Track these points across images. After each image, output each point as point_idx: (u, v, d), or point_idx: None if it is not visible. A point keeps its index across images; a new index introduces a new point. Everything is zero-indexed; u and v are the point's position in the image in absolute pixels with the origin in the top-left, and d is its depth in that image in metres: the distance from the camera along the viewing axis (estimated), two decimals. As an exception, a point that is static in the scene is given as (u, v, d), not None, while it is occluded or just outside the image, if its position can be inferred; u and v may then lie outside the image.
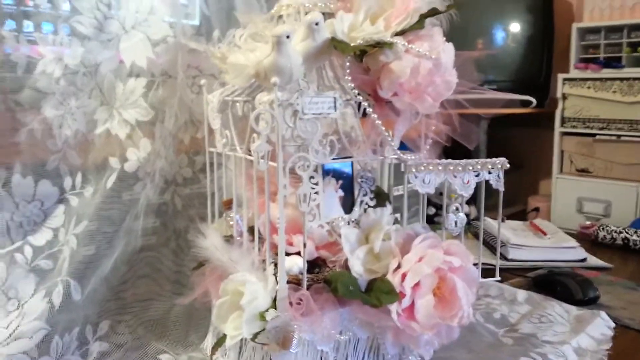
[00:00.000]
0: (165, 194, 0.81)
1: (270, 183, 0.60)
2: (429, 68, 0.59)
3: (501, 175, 0.71)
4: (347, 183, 0.69)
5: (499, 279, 0.76)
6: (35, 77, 0.68)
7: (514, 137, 1.70)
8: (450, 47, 0.62)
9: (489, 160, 0.70)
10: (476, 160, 0.69)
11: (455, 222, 0.71)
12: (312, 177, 0.63)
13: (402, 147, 0.72)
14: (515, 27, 1.60)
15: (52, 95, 0.69)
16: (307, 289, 0.60)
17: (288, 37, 0.54)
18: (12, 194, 0.66)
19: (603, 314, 0.83)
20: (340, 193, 0.68)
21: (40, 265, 0.66)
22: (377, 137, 0.62)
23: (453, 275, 0.63)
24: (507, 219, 1.41)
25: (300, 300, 0.58)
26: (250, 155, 0.59)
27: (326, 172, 0.67)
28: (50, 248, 0.67)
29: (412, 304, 0.62)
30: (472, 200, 1.47)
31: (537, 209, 1.55)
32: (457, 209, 0.71)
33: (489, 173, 0.70)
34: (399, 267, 0.63)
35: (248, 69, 0.57)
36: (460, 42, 1.45)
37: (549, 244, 1.16)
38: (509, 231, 1.23)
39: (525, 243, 1.16)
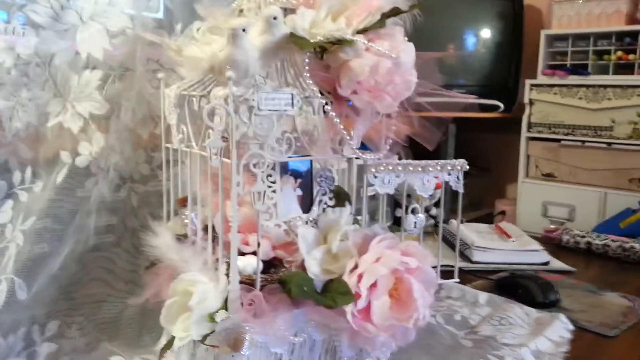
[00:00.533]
0: (120, 190, 0.79)
1: (226, 180, 0.59)
2: (389, 67, 0.58)
3: (460, 177, 0.71)
4: (306, 182, 0.68)
5: (457, 280, 0.76)
6: (-16, 67, 0.65)
7: (482, 141, 1.72)
8: (410, 47, 0.62)
9: (448, 161, 0.70)
10: (436, 161, 0.69)
11: (415, 223, 0.70)
12: (269, 175, 0.62)
13: (363, 147, 0.72)
14: (486, 32, 1.62)
15: (2, 85, 0.66)
16: (261, 289, 0.59)
17: (244, 30, 0.52)
18: (-46, 188, 0.64)
19: (562, 316, 0.84)
20: (299, 192, 0.67)
21: (-17, 263, 0.63)
22: (336, 135, 0.61)
23: (410, 276, 0.62)
24: (474, 221, 1.42)
25: (253, 301, 0.57)
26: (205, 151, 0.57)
27: (285, 171, 0.66)
28: (-5, 244, 0.65)
29: (368, 305, 0.61)
30: (438, 203, 1.47)
31: (503, 213, 1.57)
32: (413, 210, 0.70)
33: (449, 174, 0.70)
34: (356, 267, 0.62)
35: (203, 62, 0.55)
36: (430, 46, 1.46)
37: (512, 247, 1.17)
38: (474, 234, 1.23)
39: (489, 246, 1.17)
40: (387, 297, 0.61)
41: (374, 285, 0.62)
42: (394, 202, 1.42)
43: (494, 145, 1.74)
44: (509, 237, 1.23)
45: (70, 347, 0.69)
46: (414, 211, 0.71)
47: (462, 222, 1.34)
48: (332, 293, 0.61)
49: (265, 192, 0.61)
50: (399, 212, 1.44)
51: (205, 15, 0.63)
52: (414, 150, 1.55)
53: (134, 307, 0.74)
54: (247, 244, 0.63)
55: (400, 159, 1.50)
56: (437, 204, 1.45)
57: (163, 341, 0.70)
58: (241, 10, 0.64)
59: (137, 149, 0.80)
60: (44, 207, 0.67)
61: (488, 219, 1.62)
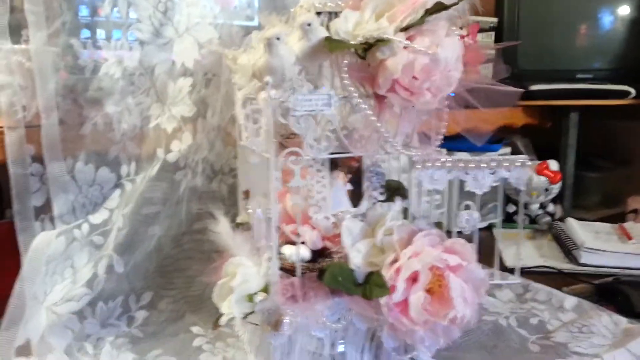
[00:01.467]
0: (212, 182, 0.89)
1: (287, 175, 0.65)
2: (425, 64, 0.58)
3: (523, 174, 0.67)
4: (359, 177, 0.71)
5: (518, 281, 0.73)
6: (99, 78, 0.79)
7: (616, 131, 1.54)
8: (453, 41, 0.61)
9: (507, 157, 0.67)
10: (490, 157, 0.67)
11: (467, 221, 0.69)
12: (319, 170, 0.66)
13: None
14: (624, 9, 1.44)
15: (112, 94, 0.80)
16: (303, 277, 0.64)
17: (278, 38, 0.57)
18: (75, 179, 0.79)
19: (656, 330, 0.75)
20: (349, 187, 0.70)
21: (93, 241, 0.77)
22: (376, 133, 0.62)
23: (450, 273, 0.62)
24: (608, 220, 1.30)
25: (290, 286, 0.62)
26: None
27: (336, 166, 0.69)
28: (105, 226, 0.78)
29: (406, 299, 0.63)
30: (559, 199, 1.37)
31: (634, 211, 1.40)
32: (467, 207, 0.68)
33: (508, 171, 0.67)
34: (395, 261, 0.64)
35: (247, 69, 0.61)
36: (561, 27, 1.36)
37: (628, 250, 1.05)
38: (588, 234, 1.14)
39: (601, 247, 1.07)
40: (422, 292, 0.62)
41: (413, 279, 0.63)
42: (506, 198, 1.36)
43: (633, 136, 1.55)
44: (630, 238, 1.11)
45: (159, 315, 0.81)
46: (467, 207, 0.69)
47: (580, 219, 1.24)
48: (370, 285, 0.63)
49: (313, 186, 0.66)
50: (511, 208, 1.38)
51: (264, 23, 0.69)
52: (534, 140, 1.46)
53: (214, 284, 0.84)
54: (296, 233, 0.68)
55: (515, 148, 1.42)
56: (555, 200, 1.35)
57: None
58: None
59: (227, 146, 0.89)
60: (141, 194, 0.79)
61: (622, 218, 1.45)
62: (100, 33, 0.82)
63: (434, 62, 0.59)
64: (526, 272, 1.02)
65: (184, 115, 0.82)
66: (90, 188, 0.80)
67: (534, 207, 1.34)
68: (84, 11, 0.80)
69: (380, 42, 0.59)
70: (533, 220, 1.34)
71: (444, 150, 0.69)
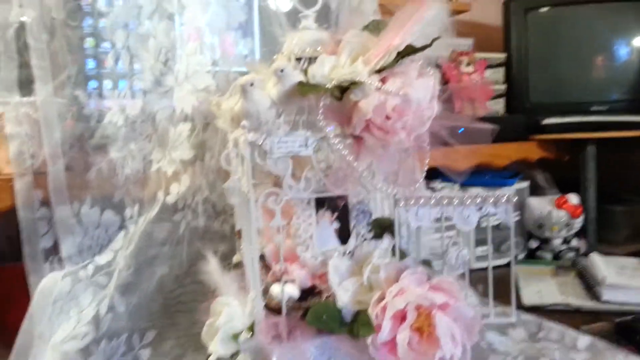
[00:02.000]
0: (215, 222, 0.91)
1: (285, 215, 0.66)
2: (396, 104, 0.59)
3: (510, 209, 0.66)
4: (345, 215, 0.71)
5: (513, 320, 0.70)
6: (104, 126, 0.83)
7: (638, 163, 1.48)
8: (426, 81, 0.62)
9: (491, 193, 0.66)
10: (476, 193, 0.66)
11: (456, 258, 0.67)
12: (304, 209, 0.67)
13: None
14: (638, 40, 1.42)
15: (116, 140, 0.84)
16: (291, 317, 0.64)
17: (252, 84, 0.59)
18: (82, 222, 0.82)
19: (670, 372, 0.70)
20: (336, 225, 0.70)
21: (98, 281, 0.80)
22: (351, 172, 0.63)
23: (438, 312, 0.61)
24: (636, 255, 1.24)
25: (275, 326, 0.62)
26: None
27: (322, 205, 0.70)
28: (109, 267, 0.81)
29: (394, 339, 0.62)
30: (583, 233, 1.32)
31: (664, 245, 1.33)
32: (454, 243, 0.67)
33: (495, 207, 0.66)
34: (382, 299, 0.63)
35: (227, 115, 0.63)
36: (577, 59, 1.34)
37: (653, 286, 1.00)
38: (612, 269, 1.09)
39: (624, 283, 1.02)
40: (409, 332, 0.61)
41: (402, 318, 0.62)
42: (528, 234, 1.33)
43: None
44: (657, 274, 1.05)
45: (163, 354, 0.82)
46: (455, 244, 0.68)
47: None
48: (357, 324, 0.63)
49: (300, 225, 0.67)
50: (533, 244, 1.35)
51: (249, 69, 0.72)
52: (554, 174, 1.43)
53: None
54: (286, 272, 0.69)
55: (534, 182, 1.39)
56: (579, 235, 1.31)
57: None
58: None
59: (228, 187, 0.91)
60: (143, 235, 0.82)
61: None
62: (107, 84, 0.87)
63: (405, 102, 0.60)
64: (544, 311, 0.98)
65: (182, 158, 0.84)
66: (96, 230, 0.83)
67: (557, 242, 1.30)
68: (90, 64, 0.86)
69: (353, 84, 0.60)
70: (557, 256, 1.30)
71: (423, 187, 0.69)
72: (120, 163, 0.84)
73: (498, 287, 0.78)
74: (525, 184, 1.32)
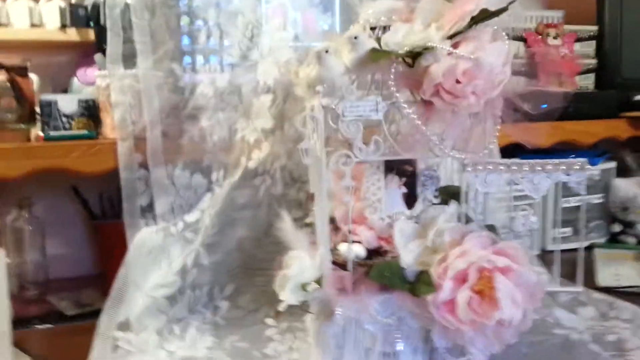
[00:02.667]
0: (292, 189, 0.97)
1: (355, 179, 0.71)
2: (466, 68, 0.61)
3: (583, 178, 0.66)
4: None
5: (580, 289, 0.70)
6: (195, 97, 0.91)
7: None
8: (499, 46, 0.63)
9: (564, 160, 0.66)
10: (546, 160, 0.66)
11: (523, 224, 0.68)
12: (374, 173, 0.71)
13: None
14: None
15: (206, 110, 0.92)
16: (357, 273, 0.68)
17: (327, 51, 0.63)
18: (174, 183, 0.91)
19: None
20: (403, 190, 0.73)
21: (186, 236, 0.88)
22: (420, 137, 0.65)
23: (499, 275, 0.62)
24: None
25: (341, 279, 0.66)
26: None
27: (391, 170, 0.72)
28: (196, 225, 0.89)
29: (454, 299, 0.64)
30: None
31: None
32: (524, 210, 0.68)
33: (567, 175, 0.66)
34: (444, 261, 0.65)
35: (304, 81, 0.68)
36: None
37: None
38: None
39: None
40: (469, 292, 0.62)
41: (463, 280, 0.64)
42: (612, 217, 1.28)
43: None
44: None
45: (240, 307, 0.89)
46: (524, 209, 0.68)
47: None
48: (419, 283, 0.66)
49: (369, 188, 0.71)
50: (616, 228, 1.30)
51: (325, 39, 0.76)
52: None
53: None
54: (354, 233, 0.73)
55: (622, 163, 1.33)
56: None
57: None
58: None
59: (306, 156, 0.97)
60: (227, 198, 0.89)
61: None
62: (199, 59, 0.95)
63: (476, 66, 0.61)
64: (620, 293, 0.95)
65: (264, 127, 0.90)
66: (186, 191, 0.92)
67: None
68: (185, 40, 0.94)
69: (425, 49, 0.63)
70: (641, 241, 1.24)
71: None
72: (209, 131, 0.92)
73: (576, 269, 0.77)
74: (611, 164, 1.27)
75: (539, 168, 0.66)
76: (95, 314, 0.81)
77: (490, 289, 0.63)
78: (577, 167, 0.65)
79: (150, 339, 0.81)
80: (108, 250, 1.07)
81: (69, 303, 0.98)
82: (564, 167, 0.66)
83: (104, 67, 0.89)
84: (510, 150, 0.93)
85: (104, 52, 0.88)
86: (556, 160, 0.66)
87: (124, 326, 0.81)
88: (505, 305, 0.61)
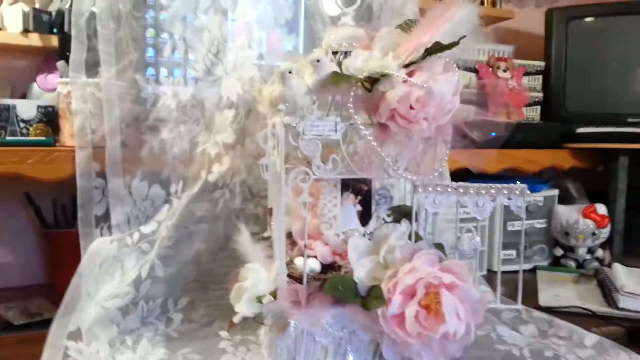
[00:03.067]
0: (250, 204, 0.99)
1: (313, 196, 0.73)
2: (419, 96, 0.65)
3: (522, 203, 0.71)
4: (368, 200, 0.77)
5: (519, 306, 0.74)
6: (158, 108, 0.92)
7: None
8: (450, 77, 0.67)
9: (506, 185, 0.71)
10: (490, 184, 0.71)
11: (467, 244, 0.72)
12: (331, 191, 0.74)
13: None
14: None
15: (168, 122, 0.92)
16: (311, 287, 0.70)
17: (290, 72, 0.66)
18: (132, 194, 0.91)
19: (673, 371, 0.73)
20: (358, 208, 0.76)
21: (141, 247, 0.88)
22: (376, 157, 0.69)
23: (444, 291, 0.66)
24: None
25: (296, 292, 0.68)
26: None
27: (347, 189, 0.76)
28: (152, 236, 0.89)
29: (403, 313, 0.67)
30: (609, 244, 1.33)
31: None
32: (468, 230, 0.72)
33: (509, 199, 0.71)
34: (394, 276, 0.68)
35: (267, 100, 0.71)
36: (619, 72, 1.35)
37: (671, 296, 1.01)
38: (633, 279, 1.10)
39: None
40: (415, 306, 0.66)
41: (412, 295, 0.67)
42: (554, 241, 1.35)
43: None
44: (678, 285, 1.06)
45: (193, 319, 0.90)
46: (469, 231, 0.72)
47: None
48: (370, 297, 0.69)
49: (325, 205, 0.73)
50: (558, 252, 1.37)
51: (290, 60, 0.79)
52: (586, 184, 1.44)
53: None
54: (310, 248, 0.75)
55: (565, 191, 1.40)
56: (603, 246, 1.32)
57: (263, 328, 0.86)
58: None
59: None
60: (185, 210, 0.90)
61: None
62: (163, 71, 0.96)
63: (428, 94, 0.65)
64: (561, 313, 1.01)
65: (225, 141, 0.92)
66: (143, 202, 0.92)
67: (582, 251, 1.31)
68: (150, 52, 0.95)
69: (382, 76, 0.67)
70: (581, 265, 1.31)
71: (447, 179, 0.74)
72: (169, 143, 0.92)
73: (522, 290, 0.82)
74: (554, 192, 1.34)
75: (483, 192, 0.71)
76: (45, 323, 0.80)
77: (437, 303, 0.66)
78: (517, 192, 0.70)
79: (101, 349, 0.80)
80: (59, 259, 1.06)
81: (17, 312, 0.96)
82: (506, 192, 0.70)
83: (66, 74, 0.89)
84: (460, 175, 0.99)
85: (66, 59, 0.89)
86: (499, 185, 0.71)
87: (75, 336, 0.80)
88: (450, 319, 0.65)
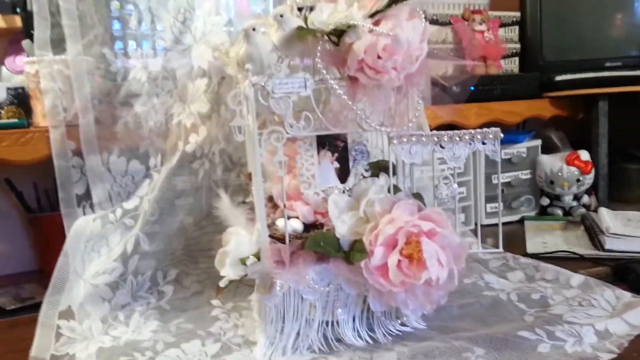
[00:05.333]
0: (232, 172, 0.98)
1: (290, 158, 0.73)
2: (386, 45, 0.64)
3: (497, 145, 0.71)
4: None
5: (500, 250, 0.75)
6: (128, 82, 0.91)
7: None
8: (415, 23, 0.66)
9: (479, 130, 0.71)
10: (464, 131, 0.71)
11: (446, 193, 0.72)
12: (307, 150, 0.74)
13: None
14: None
15: (140, 95, 0.91)
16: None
17: (254, 29, 0.65)
18: (110, 171, 0.90)
19: (655, 301, 0.74)
20: (336, 165, 0.76)
21: (125, 223, 0.88)
22: (349, 112, 0.68)
23: (424, 238, 0.66)
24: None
25: (279, 251, 0.68)
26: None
27: (323, 146, 0.75)
28: (135, 211, 0.89)
29: (385, 264, 0.67)
30: (594, 190, 1.34)
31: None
32: (445, 178, 0.72)
33: (483, 144, 0.71)
34: (375, 229, 0.69)
35: (234, 60, 0.70)
36: (595, 17, 1.34)
37: (653, 234, 1.02)
38: (615, 220, 1.11)
39: (626, 233, 1.04)
40: (396, 256, 0.66)
41: (393, 246, 0.67)
42: (540, 191, 1.36)
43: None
44: (661, 224, 1.08)
45: (184, 290, 0.90)
46: (446, 179, 0.73)
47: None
48: (353, 251, 0.69)
49: (302, 164, 0.73)
50: (544, 201, 1.38)
51: (255, 18, 0.78)
52: (569, 133, 1.45)
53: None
54: (291, 208, 0.75)
55: (549, 141, 1.40)
56: (589, 192, 1.33)
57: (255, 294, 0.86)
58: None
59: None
60: (165, 182, 0.90)
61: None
62: (131, 44, 0.94)
63: (395, 43, 0.64)
64: (548, 258, 1.02)
65: (200, 111, 0.91)
66: (123, 178, 0.91)
67: (567, 198, 1.32)
68: (116, 25, 0.93)
69: (348, 27, 0.66)
70: (567, 212, 1.32)
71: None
72: (144, 116, 0.91)
73: (507, 240, 0.82)
74: (537, 142, 1.35)
75: (458, 138, 0.70)
76: (37, 307, 0.80)
77: (418, 252, 0.67)
78: (491, 136, 0.70)
79: (93, 326, 0.80)
80: (46, 243, 1.05)
81: (9, 298, 0.96)
82: (480, 136, 0.70)
83: (33, 53, 0.87)
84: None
85: (32, 38, 0.87)
86: (472, 130, 0.71)
87: (67, 315, 0.80)
88: (432, 266, 0.65)
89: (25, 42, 0.90)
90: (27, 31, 0.90)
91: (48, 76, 0.86)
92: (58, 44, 0.86)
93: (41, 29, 0.85)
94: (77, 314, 0.81)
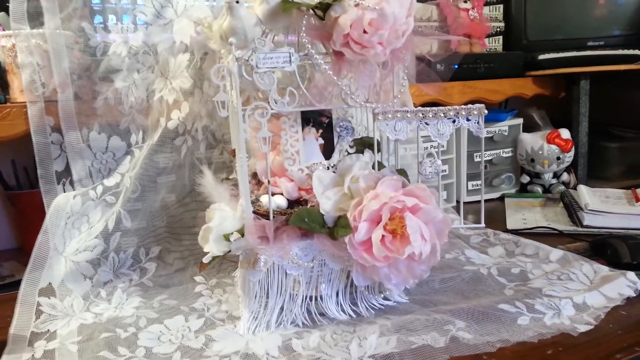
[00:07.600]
0: (215, 149, 0.97)
1: (275, 134, 0.72)
2: (372, 19, 0.64)
3: (481, 122, 0.71)
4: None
5: (482, 226, 0.76)
6: (108, 57, 0.89)
7: (634, 99, 1.50)
8: (403, -2, 0.66)
9: (464, 106, 0.71)
10: (448, 107, 0.71)
11: (429, 169, 0.73)
12: (292, 126, 0.73)
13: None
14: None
15: (120, 71, 0.89)
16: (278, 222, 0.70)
17: (238, 1, 0.64)
18: (90, 147, 0.89)
19: (631, 274, 0.76)
20: (321, 141, 0.76)
21: (106, 200, 0.87)
22: (334, 87, 0.68)
23: (408, 213, 0.67)
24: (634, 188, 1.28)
25: (262, 227, 0.68)
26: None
27: (308, 122, 0.75)
28: (117, 188, 0.88)
29: (369, 239, 0.68)
30: (574, 167, 1.36)
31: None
32: (429, 154, 0.73)
33: (467, 120, 0.71)
34: (359, 204, 0.69)
35: (217, 34, 0.68)
36: None
37: (632, 211, 1.04)
38: (594, 197, 1.13)
39: (604, 209, 1.06)
40: (380, 231, 0.66)
41: (377, 222, 0.68)
42: (521, 169, 1.37)
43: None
44: (638, 200, 1.10)
45: (167, 267, 0.90)
46: (430, 155, 0.73)
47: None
48: (337, 226, 0.69)
49: (287, 140, 0.73)
50: (525, 179, 1.40)
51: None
52: (550, 112, 1.46)
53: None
54: (275, 185, 0.75)
55: (530, 120, 1.42)
56: (568, 169, 1.35)
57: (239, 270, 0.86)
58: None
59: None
60: (147, 159, 0.88)
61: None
62: (112, 18, 0.92)
63: (381, 17, 0.64)
64: (527, 234, 1.03)
65: (182, 87, 0.90)
66: (104, 155, 0.90)
67: (547, 176, 1.34)
68: (95, -1, 0.90)
69: (334, 1, 0.65)
70: (547, 190, 1.34)
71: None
72: (125, 92, 0.90)
73: (488, 217, 0.82)
74: (519, 120, 1.36)
75: (442, 114, 0.71)
76: (17, 284, 0.79)
77: (402, 227, 0.67)
78: (476, 112, 0.70)
79: (75, 303, 0.80)
80: (26, 221, 1.04)
81: (-13, 276, 0.95)
82: (464, 112, 0.70)
83: (9, 27, 0.84)
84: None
85: (7, 11, 0.84)
86: (457, 107, 0.71)
87: (47, 292, 0.79)
88: (415, 240, 0.66)
89: (0, 15, 0.87)
90: (3, 3, 0.88)
91: (25, 50, 0.83)
92: (35, 17, 0.84)
93: (17, 2, 0.82)
94: (58, 291, 0.80)
